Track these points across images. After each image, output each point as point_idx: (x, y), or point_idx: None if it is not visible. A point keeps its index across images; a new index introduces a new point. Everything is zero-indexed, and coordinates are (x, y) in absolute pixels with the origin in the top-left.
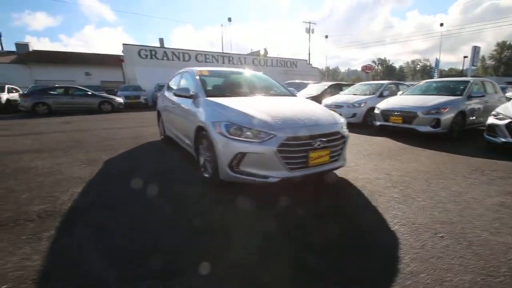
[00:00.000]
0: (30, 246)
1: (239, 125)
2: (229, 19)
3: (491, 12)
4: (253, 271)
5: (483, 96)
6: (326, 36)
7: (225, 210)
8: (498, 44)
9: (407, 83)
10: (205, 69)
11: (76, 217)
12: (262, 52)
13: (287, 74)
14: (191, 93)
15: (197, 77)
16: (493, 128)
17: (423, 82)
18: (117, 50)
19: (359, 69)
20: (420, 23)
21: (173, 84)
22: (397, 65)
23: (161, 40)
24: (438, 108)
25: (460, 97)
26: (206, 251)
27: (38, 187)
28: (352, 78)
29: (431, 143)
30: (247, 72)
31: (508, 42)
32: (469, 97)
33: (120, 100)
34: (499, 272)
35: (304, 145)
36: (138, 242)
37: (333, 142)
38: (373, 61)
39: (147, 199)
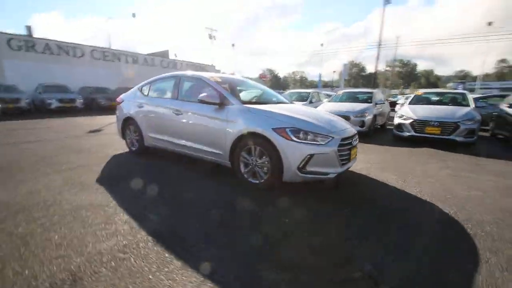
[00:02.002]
0: (180, 272)
1: (304, 130)
2: (133, 15)
3: (343, 37)
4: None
5: (383, 103)
6: (233, 45)
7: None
8: (349, 62)
9: (324, 91)
10: (215, 75)
11: (181, 242)
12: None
13: None
14: (219, 100)
15: (220, 84)
16: (400, 126)
17: (341, 92)
18: None
19: (252, 76)
20: (298, 39)
21: (162, 89)
22: (281, 75)
23: (29, 29)
24: (362, 113)
25: (370, 104)
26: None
27: (69, 224)
28: None
29: (362, 139)
30: (249, 80)
31: (354, 61)
32: (376, 104)
33: None
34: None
35: (349, 144)
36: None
37: (357, 140)
38: (263, 70)
39: (211, 204)
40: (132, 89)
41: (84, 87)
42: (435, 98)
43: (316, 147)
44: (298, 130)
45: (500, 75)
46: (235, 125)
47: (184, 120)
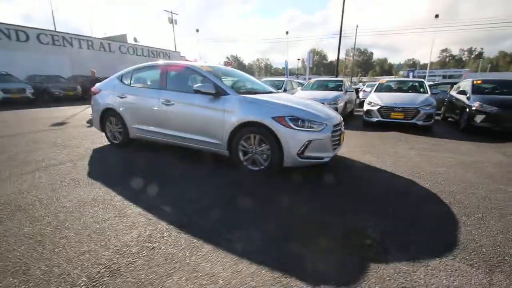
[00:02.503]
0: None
1: (302, 118)
2: None
3: (305, 25)
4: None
5: (352, 91)
6: (197, 30)
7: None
8: (311, 50)
9: (296, 80)
10: (205, 65)
11: (203, 229)
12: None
13: None
14: (215, 90)
15: (213, 75)
16: (369, 112)
17: (313, 80)
18: None
19: (215, 62)
20: (261, 26)
21: (146, 79)
22: (246, 62)
23: None
24: (335, 100)
25: (342, 92)
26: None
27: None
28: None
29: None
30: (236, 70)
31: (316, 49)
32: (346, 92)
33: None
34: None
35: (339, 130)
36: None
37: (343, 127)
38: (227, 58)
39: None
40: (109, 78)
41: (33, 76)
42: (397, 86)
43: (313, 133)
44: (296, 118)
45: (443, 63)
46: (233, 114)
47: (175, 111)
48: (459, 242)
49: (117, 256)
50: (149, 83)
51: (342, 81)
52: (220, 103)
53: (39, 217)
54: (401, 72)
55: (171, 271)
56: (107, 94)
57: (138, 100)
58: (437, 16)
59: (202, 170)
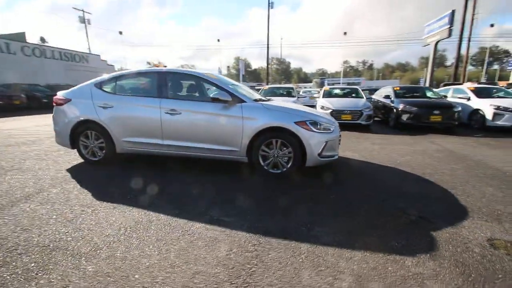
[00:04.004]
0: None
1: (319, 122)
2: None
3: (227, 34)
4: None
5: (301, 96)
6: (121, 32)
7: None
8: (235, 58)
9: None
10: (209, 73)
11: (283, 233)
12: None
13: (74, 71)
14: (231, 98)
15: (223, 83)
16: None
17: (267, 87)
18: None
19: (131, 67)
20: (180, 32)
21: (138, 87)
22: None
23: None
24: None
25: (295, 97)
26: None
27: None
28: None
29: None
30: (226, 77)
31: (240, 57)
32: (298, 98)
33: None
34: (427, 163)
35: (340, 131)
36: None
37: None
38: (148, 62)
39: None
40: (81, 86)
41: None
42: (337, 92)
43: (328, 134)
44: (315, 122)
45: (345, 73)
46: (254, 121)
47: (183, 120)
48: (465, 207)
49: (231, 269)
50: (142, 91)
51: (292, 88)
52: (237, 111)
53: (91, 253)
54: (315, 80)
55: (296, 271)
56: (82, 104)
57: (131, 110)
58: (345, 33)
59: (211, 177)
